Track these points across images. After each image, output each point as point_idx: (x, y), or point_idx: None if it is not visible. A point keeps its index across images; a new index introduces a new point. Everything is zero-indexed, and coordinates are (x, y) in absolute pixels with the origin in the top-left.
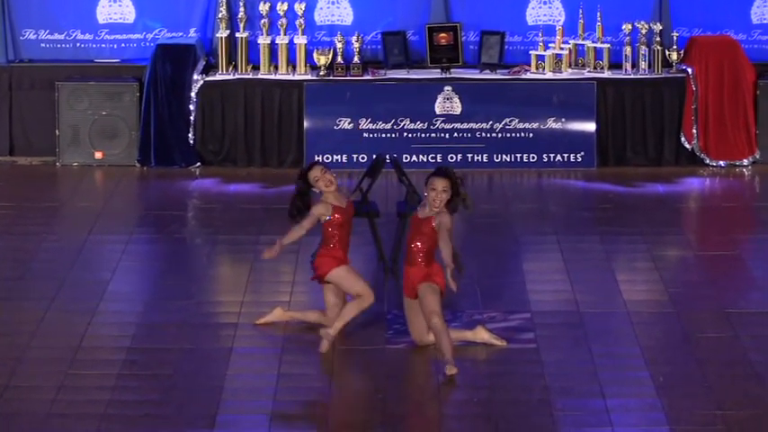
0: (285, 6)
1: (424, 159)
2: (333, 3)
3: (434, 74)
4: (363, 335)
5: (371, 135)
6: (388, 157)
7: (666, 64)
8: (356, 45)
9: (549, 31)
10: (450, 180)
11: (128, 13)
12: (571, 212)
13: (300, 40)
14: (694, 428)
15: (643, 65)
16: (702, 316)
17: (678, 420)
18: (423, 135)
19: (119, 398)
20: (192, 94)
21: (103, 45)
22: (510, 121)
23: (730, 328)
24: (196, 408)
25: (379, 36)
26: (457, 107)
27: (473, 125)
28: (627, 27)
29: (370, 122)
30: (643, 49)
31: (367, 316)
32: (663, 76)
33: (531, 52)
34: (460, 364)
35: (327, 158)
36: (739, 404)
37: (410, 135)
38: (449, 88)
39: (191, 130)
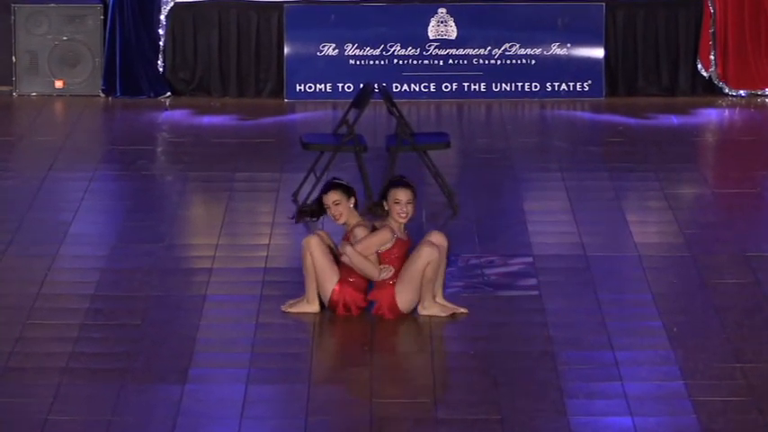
0: None
1: (416, 88)
2: None
3: None
4: None
5: (358, 62)
6: (376, 86)
7: None
8: None
9: None
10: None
11: None
12: (577, 147)
13: None
14: (711, 383)
15: None
16: (720, 260)
17: (693, 374)
18: (415, 62)
19: (82, 350)
20: (162, 17)
21: None
22: (510, 47)
23: (751, 273)
24: (167, 361)
25: None
26: (452, 31)
27: (470, 51)
28: None
29: (356, 48)
30: None
31: None
32: None
33: None
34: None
35: (310, 88)
36: (760, 356)
37: (401, 62)
38: (443, 10)
39: (160, 56)
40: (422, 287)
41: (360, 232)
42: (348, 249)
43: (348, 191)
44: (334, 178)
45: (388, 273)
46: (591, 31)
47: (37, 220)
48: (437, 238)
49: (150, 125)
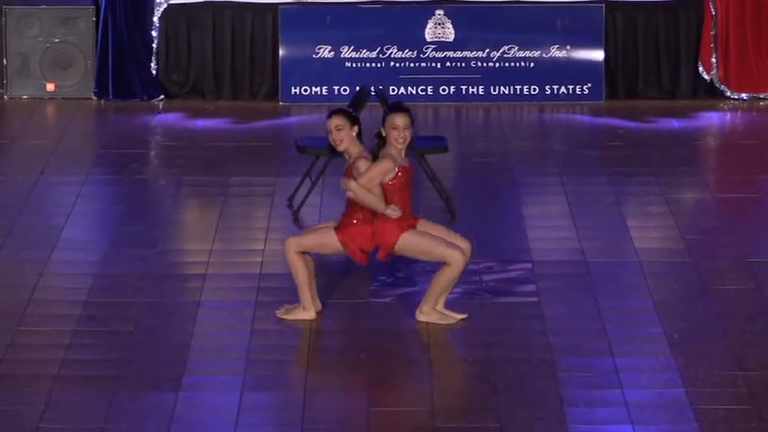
0: None
1: (413, 91)
2: None
3: None
4: (345, 287)
5: (354, 64)
6: (372, 88)
7: None
8: None
9: None
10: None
11: None
12: (576, 151)
13: None
14: (712, 390)
15: None
16: (722, 266)
17: (695, 381)
18: (411, 64)
19: (74, 357)
20: (155, 19)
21: None
22: (509, 49)
23: (752, 278)
24: (160, 368)
25: None
26: (449, 33)
27: (468, 53)
28: None
29: (352, 50)
30: None
31: (349, 266)
32: None
33: None
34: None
35: (305, 91)
36: (762, 363)
37: (397, 64)
38: (440, 12)
39: (153, 58)
40: (430, 292)
41: (362, 165)
42: (352, 184)
43: (352, 118)
44: (345, 106)
45: (396, 212)
46: (590, 33)
47: (28, 224)
48: (467, 248)
49: (143, 128)
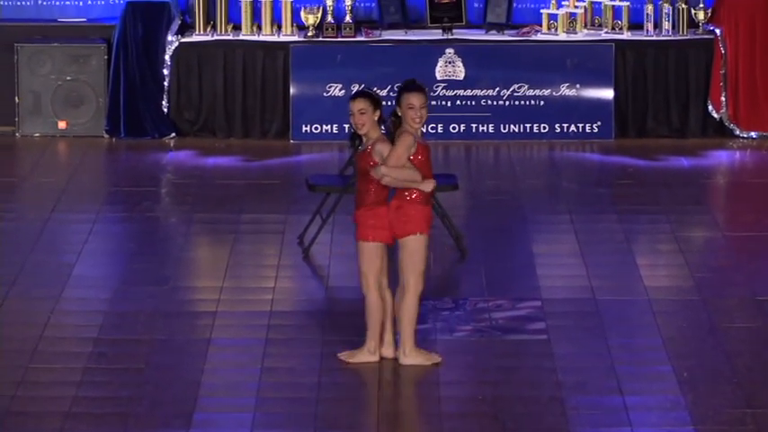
0: None
1: (423, 129)
2: None
3: (435, 35)
4: (354, 324)
5: None
6: (383, 127)
7: (692, 24)
8: (348, 2)
9: None
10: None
11: None
12: (586, 189)
13: None
14: (721, 429)
15: (666, 25)
16: (731, 304)
17: (704, 420)
18: None
19: (85, 394)
20: (167, 57)
21: (68, 2)
22: (519, 88)
23: (761, 317)
24: (171, 405)
25: None
26: (460, 72)
27: (478, 92)
28: None
29: (363, 89)
30: (666, 8)
31: (356, 305)
32: (688, 37)
33: (542, 11)
34: (463, 358)
35: (316, 129)
36: None
37: None
38: (451, 51)
39: (164, 96)
40: (403, 331)
41: (384, 148)
42: (383, 169)
43: (375, 102)
44: (366, 88)
45: (430, 185)
46: (600, 71)
47: (40, 262)
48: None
49: (154, 166)
